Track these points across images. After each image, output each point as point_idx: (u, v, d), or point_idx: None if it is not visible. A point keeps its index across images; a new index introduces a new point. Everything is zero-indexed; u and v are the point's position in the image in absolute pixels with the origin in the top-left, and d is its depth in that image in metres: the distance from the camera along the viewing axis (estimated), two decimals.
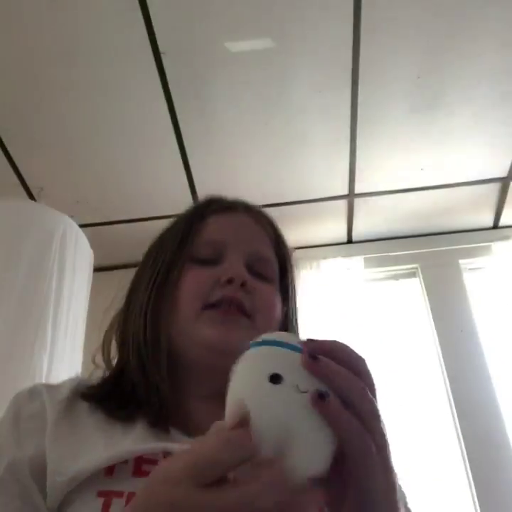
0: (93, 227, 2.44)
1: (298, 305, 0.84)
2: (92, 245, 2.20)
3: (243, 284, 0.71)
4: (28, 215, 2.04)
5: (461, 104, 2.09)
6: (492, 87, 2.03)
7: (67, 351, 1.90)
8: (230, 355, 0.68)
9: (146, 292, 0.75)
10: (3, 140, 2.16)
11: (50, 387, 0.70)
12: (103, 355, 0.77)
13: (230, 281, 0.71)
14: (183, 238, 0.77)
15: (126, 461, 0.60)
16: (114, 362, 0.76)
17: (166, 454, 0.60)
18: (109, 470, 0.59)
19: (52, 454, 0.61)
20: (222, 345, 0.68)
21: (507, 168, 2.37)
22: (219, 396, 0.71)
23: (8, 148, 2.19)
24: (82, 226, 2.18)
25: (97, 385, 0.72)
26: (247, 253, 0.76)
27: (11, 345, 1.76)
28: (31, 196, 2.36)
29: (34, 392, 0.69)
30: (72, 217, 2.14)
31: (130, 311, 0.76)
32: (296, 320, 0.82)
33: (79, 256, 2.09)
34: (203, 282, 0.72)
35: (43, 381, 1.75)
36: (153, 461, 0.60)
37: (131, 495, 0.56)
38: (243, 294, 0.71)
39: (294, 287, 0.83)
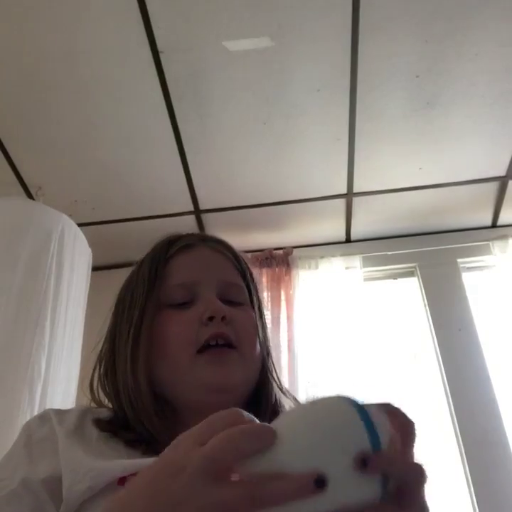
0: (91, 226, 2.44)
1: (265, 320, 0.87)
2: (91, 244, 2.20)
3: (223, 318, 0.74)
4: (26, 213, 2.03)
5: (460, 104, 2.10)
6: (490, 86, 2.03)
7: (65, 350, 1.90)
8: (232, 390, 0.73)
9: (127, 345, 0.76)
10: (2, 139, 2.16)
11: (59, 413, 0.73)
12: (93, 397, 0.79)
13: (211, 318, 0.74)
14: (150, 286, 0.79)
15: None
16: (106, 400, 0.79)
17: None
18: (122, 480, 0.61)
19: (67, 466, 0.63)
20: (223, 385, 0.72)
21: (505, 167, 2.37)
22: None
23: (7, 147, 2.19)
24: (80, 225, 2.18)
25: (108, 421, 0.74)
26: (217, 285, 0.79)
27: (9, 344, 1.76)
28: (29, 195, 2.36)
29: (43, 418, 0.72)
30: (70, 216, 2.14)
31: (117, 363, 0.77)
32: (265, 334, 0.85)
33: (77, 255, 2.08)
34: (187, 326, 0.74)
35: (41, 380, 1.75)
36: None
37: None
38: (226, 328, 0.74)
39: (260, 303, 0.86)
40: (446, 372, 2.34)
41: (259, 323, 0.82)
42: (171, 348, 0.74)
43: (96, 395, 0.79)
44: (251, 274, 0.86)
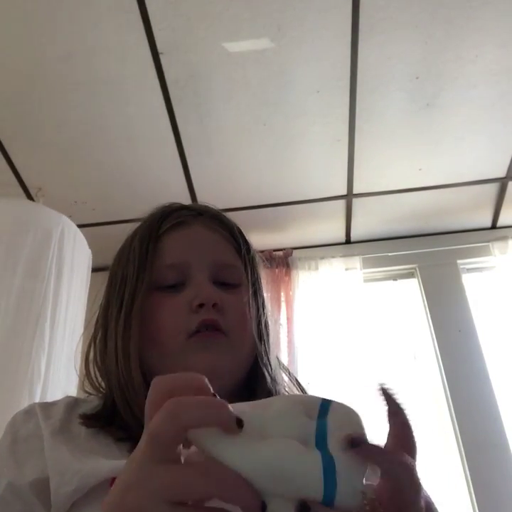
0: (91, 227, 2.44)
1: (265, 301, 0.83)
2: (91, 245, 2.20)
3: (214, 305, 0.71)
4: (26, 214, 2.03)
5: (460, 105, 2.10)
6: (490, 87, 2.04)
7: (65, 351, 1.90)
8: (222, 378, 0.69)
9: (118, 326, 0.74)
10: (2, 140, 2.16)
11: (45, 407, 0.71)
12: (91, 383, 0.77)
13: (201, 305, 0.71)
14: (140, 265, 0.76)
15: None
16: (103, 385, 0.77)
17: None
18: (114, 480, 0.59)
19: (54, 468, 0.61)
20: (210, 371, 0.69)
21: (505, 169, 2.38)
22: None
23: (7, 148, 2.19)
24: (80, 226, 2.18)
25: (95, 414, 0.72)
26: (210, 265, 0.75)
27: (9, 345, 1.76)
28: (29, 196, 2.36)
29: (29, 413, 0.70)
30: (70, 217, 2.15)
31: (108, 347, 0.75)
32: (265, 316, 0.81)
33: (77, 256, 2.09)
34: (177, 311, 0.72)
35: (41, 381, 1.75)
36: None
37: None
38: (216, 315, 0.71)
39: (260, 286, 0.82)
40: (446, 374, 2.34)
41: (253, 302, 0.77)
42: (160, 334, 0.72)
43: (92, 372, 0.77)
44: (249, 251, 0.82)
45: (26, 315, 1.82)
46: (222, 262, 0.77)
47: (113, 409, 0.71)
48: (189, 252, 0.76)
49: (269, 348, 0.78)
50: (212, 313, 0.71)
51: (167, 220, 0.80)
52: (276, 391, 0.75)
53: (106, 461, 0.61)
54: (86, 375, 0.77)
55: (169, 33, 1.83)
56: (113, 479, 0.59)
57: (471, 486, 2.10)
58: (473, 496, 2.08)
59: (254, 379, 0.75)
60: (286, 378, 0.81)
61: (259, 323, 0.78)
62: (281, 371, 0.80)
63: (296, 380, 0.82)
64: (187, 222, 0.80)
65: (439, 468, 2.20)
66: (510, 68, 1.97)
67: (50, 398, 1.75)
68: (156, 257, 0.76)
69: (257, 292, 0.80)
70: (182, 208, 0.83)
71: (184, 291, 0.73)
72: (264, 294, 0.83)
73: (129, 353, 0.71)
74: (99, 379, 0.76)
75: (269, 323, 0.81)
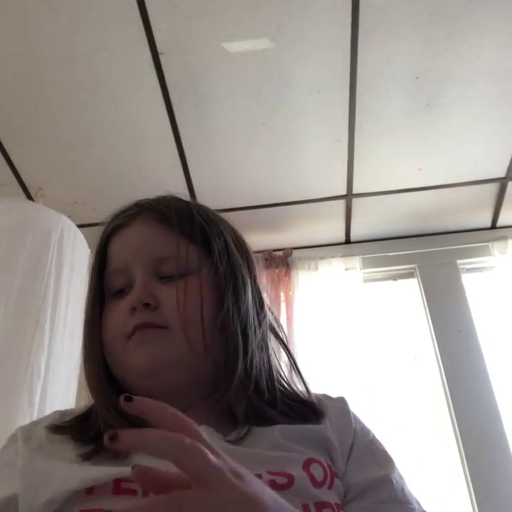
0: (91, 228, 2.43)
1: (244, 289, 0.75)
2: (90, 245, 2.19)
3: (147, 305, 0.70)
4: (26, 215, 2.03)
5: (459, 105, 2.10)
6: (490, 87, 2.04)
7: (65, 351, 1.90)
8: (163, 371, 0.68)
9: (83, 337, 0.77)
10: (1, 140, 2.16)
11: (28, 429, 0.71)
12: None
13: (134, 308, 0.70)
14: (91, 275, 0.78)
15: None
16: None
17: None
18: (90, 490, 0.59)
19: (27, 482, 0.61)
20: (150, 365, 0.68)
21: (505, 169, 2.38)
22: (188, 411, 0.71)
23: (7, 148, 2.19)
24: (80, 226, 2.18)
25: (70, 421, 0.72)
26: (148, 261, 0.73)
27: (8, 345, 1.76)
28: (29, 196, 2.36)
29: (11, 440, 0.71)
30: (70, 217, 2.14)
31: (87, 352, 0.77)
32: (237, 294, 0.74)
33: (77, 256, 2.09)
34: (118, 317, 0.72)
35: (41, 381, 1.75)
36: (131, 480, 0.59)
37: None
38: (150, 314, 0.70)
39: (228, 270, 0.75)
40: (445, 374, 2.34)
41: (204, 289, 0.71)
42: (107, 340, 0.73)
43: None
44: (203, 230, 0.76)
45: (26, 315, 1.82)
46: (157, 255, 0.74)
47: (83, 417, 0.72)
48: (127, 254, 0.75)
49: (228, 335, 0.71)
50: (145, 314, 0.70)
51: (110, 224, 0.80)
52: (248, 378, 0.70)
53: (76, 474, 0.60)
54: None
55: (169, 33, 1.83)
56: (88, 489, 0.58)
57: (470, 486, 2.10)
58: (473, 496, 2.08)
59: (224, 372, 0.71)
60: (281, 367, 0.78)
61: (213, 310, 0.71)
62: (277, 354, 0.77)
63: (294, 363, 0.80)
64: (126, 224, 0.78)
65: (439, 468, 2.21)
66: (509, 68, 1.97)
67: (49, 398, 1.75)
68: (107, 265, 0.77)
69: (224, 278, 0.73)
70: (127, 208, 0.82)
71: (128, 295, 0.73)
72: (237, 276, 0.76)
73: (88, 360, 0.74)
74: None
75: (240, 302, 0.74)
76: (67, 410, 0.77)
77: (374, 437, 0.74)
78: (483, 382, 2.31)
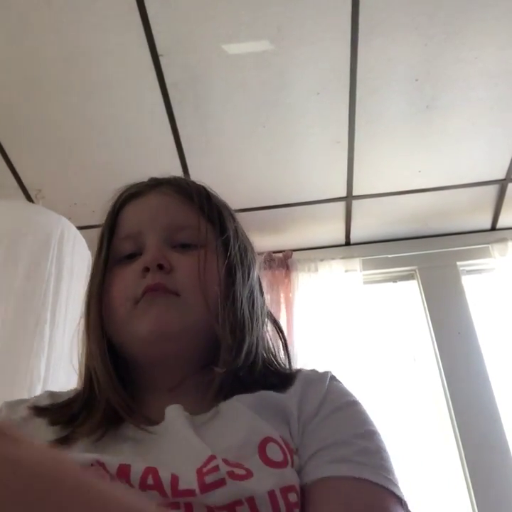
0: (91, 229, 2.43)
1: (248, 269, 0.78)
2: (90, 247, 2.19)
3: (161, 267, 0.69)
4: (26, 216, 2.03)
5: (459, 107, 2.10)
6: (489, 89, 2.04)
7: (64, 352, 1.89)
8: (170, 339, 0.68)
9: (84, 306, 0.75)
10: (2, 142, 2.16)
11: (11, 405, 0.71)
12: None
13: (147, 269, 0.69)
14: (101, 242, 0.76)
15: None
16: None
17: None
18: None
19: None
20: (158, 330, 0.67)
21: (505, 170, 2.38)
22: (179, 386, 0.70)
23: (6, 150, 2.19)
24: (80, 228, 2.18)
25: (53, 405, 0.72)
26: (163, 229, 0.73)
27: (8, 346, 1.76)
28: (29, 198, 2.36)
29: None
30: (70, 219, 2.14)
31: (87, 321, 0.75)
32: (242, 270, 0.76)
33: (77, 258, 2.08)
34: (127, 280, 0.71)
35: (41, 383, 1.75)
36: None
37: None
38: (163, 276, 0.69)
39: (235, 249, 0.77)
40: (445, 375, 2.34)
41: (214, 261, 0.72)
42: (112, 304, 0.71)
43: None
44: (217, 210, 0.79)
45: (26, 316, 1.82)
46: (175, 224, 0.74)
47: (69, 401, 0.71)
48: (141, 220, 0.75)
49: (233, 304, 0.72)
50: (157, 276, 0.69)
51: (124, 193, 0.80)
52: (239, 345, 0.70)
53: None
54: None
55: (169, 35, 1.84)
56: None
57: (470, 487, 2.10)
58: (473, 497, 2.08)
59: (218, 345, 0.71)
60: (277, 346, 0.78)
61: (227, 285, 0.73)
62: (266, 328, 0.77)
63: (283, 337, 0.79)
64: (142, 193, 0.79)
65: (439, 469, 2.20)
66: (509, 70, 1.97)
67: None
68: (115, 232, 0.76)
69: (231, 256, 0.75)
70: (140, 182, 0.83)
71: (138, 260, 0.72)
72: (242, 252, 0.78)
73: (90, 327, 0.72)
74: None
75: (242, 279, 0.75)
76: (57, 392, 0.76)
77: (351, 402, 0.69)
78: (483, 384, 2.30)
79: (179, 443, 0.62)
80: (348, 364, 2.29)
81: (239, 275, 0.75)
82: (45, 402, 0.72)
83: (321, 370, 0.76)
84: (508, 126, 2.18)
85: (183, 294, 0.69)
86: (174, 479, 0.57)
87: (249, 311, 0.74)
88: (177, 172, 2.28)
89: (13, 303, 1.82)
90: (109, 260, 0.74)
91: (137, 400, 0.70)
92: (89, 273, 0.80)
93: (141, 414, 0.67)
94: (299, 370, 0.74)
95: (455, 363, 2.36)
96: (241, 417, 0.64)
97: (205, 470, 0.57)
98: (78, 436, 0.64)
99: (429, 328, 2.47)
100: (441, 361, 2.38)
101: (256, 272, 0.80)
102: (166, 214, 0.75)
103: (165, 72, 1.94)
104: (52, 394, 0.75)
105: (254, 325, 0.74)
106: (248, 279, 0.77)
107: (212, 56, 1.90)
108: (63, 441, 0.64)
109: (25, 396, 1.67)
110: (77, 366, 0.77)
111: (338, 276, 2.56)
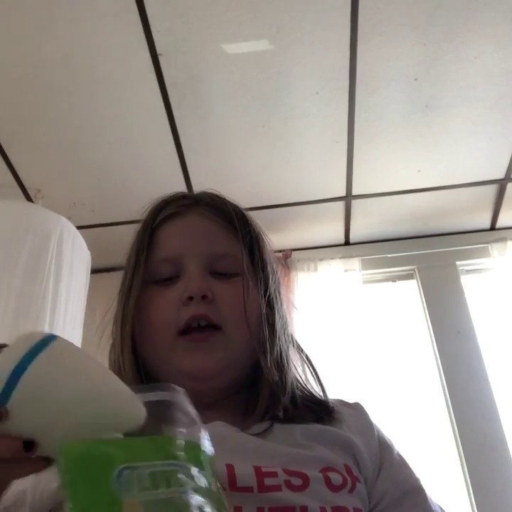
0: (90, 229, 2.43)
1: (276, 291, 0.79)
2: (90, 247, 2.19)
3: (204, 297, 0.69)
4: (25, 216, 2.03)
5: (458, 106, 2.10)
6: (489, 89, 2.04)
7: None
8: (211, 379, 0.68)
9: (117, 323, 0.74)
10: (1, 141, 2.16)
11: None
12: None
13: (190, 298, 0.69)
14: (137, 260, 0.75)
15: None
16: None
17: None
18: None
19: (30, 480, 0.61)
20: (202, 373, 0.68)
21: (504, 170, 2.38)
22: (219, 404, 0.70)
23: (6, 150, 2.19)
24: (79, 228, 2.18)
25: None
26: (204, 256, 0.73)
27: None
28: (29, 198, 2.36)
29: None
30: (69, 218, 2.14)
31: (112, 340, 0.75)
32: (278, 299, 0.78)
33: (76, 257, 2.08)
34: (168, 307, 0.70)
35: None
36: None
37: None
38: (207, 307, 0.69)
39: (266, 272, 0.78)
40: (445, 375, 2.34)
41: (255, 290, 0.73)
42: (151, 329, 0.71)
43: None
44: (249, 236, 0.78)
45: (25, 316, 1.82)
46: (216, 252, 0.74)
47: None
48: (182, 244, 0.74)
49: (274, 335, 0.73)
50: (201, 306, 0.69)
51: (162, 212, 0.79)
52: (282, 379, 0.71)
53: None
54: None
55: (168, 35, 1.83)
56: None
57: (470, 487, 2.10)
58: (473, 497, 2.08)
59: (258, 375, 0.72)
60: (301, 366, 0.78)
61: (262, 310, 0.74)
62: (296, 356, 0.77)
63: (312, 366, 0.79)
64: (181, 213, 0.78)
65: (438, 469, 2.20)
66: (508, 70, 1.97)
67: None
68: (152, 251, 0.75)
69: (262, 278, 0.76)
70: (178, 198, 0.81)
71: (177, 285, 0.71)
72: (276, 280, 0.79)
73: (122, 347, 0.71)
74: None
75: (278, 309, 0.77)
76: None
77: (398, 450, 0.73)
78: (483, 383, 2.31)
79: (230, 448, 0.61)
80: (347, 364, 2.29)
81: (277, 306, 0.76)
82: None
83: (349, 400, 0.79)
84: (508, 126, 2.18)
85: (226, 328, 0.69)
86: (230, 470, 0.57)
87: (286, 340, 0.75)
88: (177, 172, 2.29)
89: (13, 303, 1.82)
90: (145, 278, 0.74)
91: None
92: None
93: None
94: (333, 402, 0.75)
95: (454, 363, 2.36)
96: (300, 441, 0.65)
97: (264, 470, 0.58)
98: None
99: (429, 327, 2.48)
100: (441, 360, 2.38)
101: (284, 296, 0.81)
102: (208, 240, 0.75)
103: (164, 72, 1.94)
104: None
105: (290, 354, 0.75)
106: (282, 306, 0.78)
107: (212, 56, 1.90)
108: None
109: None
110: None
111: (337, 276, 2.56)
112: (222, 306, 0.70)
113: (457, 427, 2.23)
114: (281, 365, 0.72)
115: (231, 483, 0.56)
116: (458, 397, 2.29)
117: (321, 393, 0.77)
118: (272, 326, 0.74)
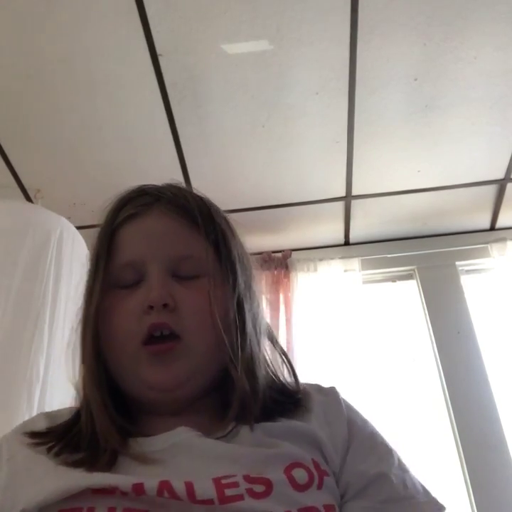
0: (90, 229, 2.43)
1: (248, 287, 0.75)
2: (89, 247, 2.19)
3: (165, 305, 0.66)
4: (25, 216, 2.03)
5: (458, 107, 2.10)
6: (489, 89, 2.04)
7: (64, 353, 1.89)
8: (173, 391, 0.67)
9: (78, 329, 0.72)
10: (1, 142, 2.16)
11: (9, 440, 0.68)
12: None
13: (150, 307, 0.66)
14: (97, 265, 0.72)
15: None
16: None
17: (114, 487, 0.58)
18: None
19: (7, 496, 0.61)
20: (163, 386, 0.66)
21: (504, 170, 2.38)
22: (186, 410, 0.69)
23: (5, 150, 2.19)
24: (79, 228, 2.18)
25: (44, 431, 0.69)
26: (166, 259, 0.70)
27: (7, 346, 1.75)
28: (28, 198, 2.36)
29: None
30: (69, 218, 2.14)
31: (83, 340, 0.73)
32: (248, 297, 0.74)
33: (76, 257, 2.08)
34: (130, 315, 0.68)
35: (40, 383, 1.75)
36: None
37: (89, 510, 0.56)
38: (168, 316, 0.66)
39: (234, 267, 0.73)
40: (444, 375, 2.34)
41: (221, 292, 0.70)
42: (114, 337, 0.68)
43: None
44: (221, 231, 0.74)
45: (25, 316, 1.82)
46: (179, 254, 0.71)
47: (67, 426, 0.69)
48: (143, 247, 0.71)
49: (244, 338, 0.70)
50: (162, 315, 0.66)
51: (121, 213, 0.75)
52: (254, 386, 0.69)
53: (53, 483, 0.59)
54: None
55: (168, 35, 1.83)
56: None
57: (470, 487, 2.10)
58: (472, 497, 2.08)
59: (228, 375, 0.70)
60: (279, 360, 0.76)
61: (229, 312, 0.70)
62: (264, 368, 0.74)
63: (286, 356, 0.77)
64: (141, 213, 0.74)
65: (438, 470, 2.20)
66: (508, 70, 1.98)
67: (48, 400, 1.75)
68: (114, 254, 0.72)
69: (230, 277, 0.72)
70: (139, 195, 0.78)
71: (139, 290, 0.69)
72: (247, 276, 0.76)
73: (84, 354, 0.70)
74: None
75: (249, 308, 0.73)
76: (52, 412, 0.74)
77: (373, 429, 0.72)
78: (483, 383, 2.30)
79: (192, 457, 0.61)
80: (347, 364, 2.29)
81: (247, 304, 0.73)
82: (41, 426, 0.70)
83: (325, 385, 0.76)
84: (508, 126, 2.18)
85: (187, 337, 0.67)
86: (189, 487, 0.56)
87: (258, 338, 0.73)
88: (177, 172, 2.29)
89: (12, 303, 1.82)
90: (104, 284, 0.71)
91: (138, 423, 0.69)
92: (89, 263, 0.77)
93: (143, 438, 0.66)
94: (306, 390, 0.74)
95: (454, 363, 2.36)
96: (264, 440, 0.64)
97: (224, 482, 0.57)
98: (87, 463, 0.62)
99: (428, 327, 2.47)
100: (441, 361, 2.38)
101: (257, 289, 0.78)
102: (170, 242, 0.71)
103: (164, 72, 1.94)
104: (47, 415, 0.73)
105: (261, 353, 0.73)
106: (253, 303, 0.75)
107: (212, 56, 1.90)
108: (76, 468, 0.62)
109: (24, 396, 1.68)
110: (72, 379, 0.75)
111: (337, 276, 2.56)
112: (184, 314, 0.67)
113: (457, 427, 2.23)
114: (252, 371, 0.69)
115: (190, 496, 0.56)
116: (458, 397, 2.29)
117: (293, 381, 0.75)
118: (242, 327, 0.70)
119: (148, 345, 0.66)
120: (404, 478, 0.66)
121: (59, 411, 0.75)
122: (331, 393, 0.74)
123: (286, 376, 0.75)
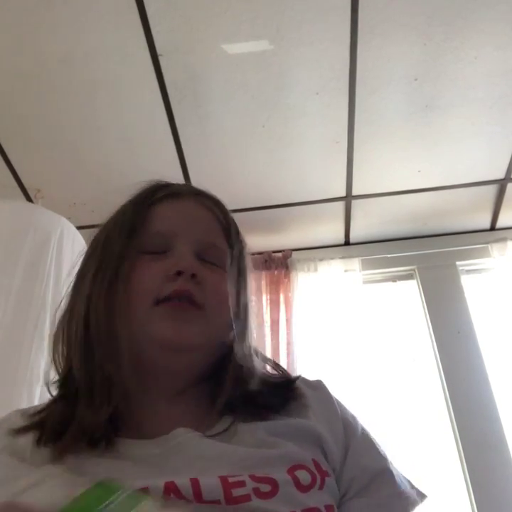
0: (90, 229, 2.43)
1: (249, 292, 0.80)
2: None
3: (193, 276, 0.69)
4: (25, 216, 2.03)
5: (458, 107, 2.10)
6: (489, 89, 2.04)
7: None
8: (183, 352, 0.68)
9: (94, 286, 0.71)
10: (1, 142, 2.16)
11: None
12: (56, 367, 0.75)
13: (179, 273, 0.69)
14: (130, 229, 0.74)
15: None
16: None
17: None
18: None
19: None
20: (176, 341, 0.67)
21: (504, 170, 2.38)
22: (180, 397, 0.70)
23: (6, 150, 2.19)
24: (79, 228, 2.18)
25: (34, 413, 0.69)
26: (197, 241, 0.73)
27: (8, 346, 1.76)
28: (28, 198, 2.36)
29: None
30: (69, 218, 2.14)
31: (75, 310, 0.72)
32: (246, 306, 0.78)
33: (76, 258, 2.08)
34: (153, 276, 0.69)
35: (41, 383, 1.75)
36: None
37: None
38: (193, 286, 0.69)
39: (244, 273, 0.79)
40: (445, 375, 2.34)
41: (233, 289, 0.74)
42: (131, 297, 0.68)
43: (56, 362, 0.75)
44: (238, 238, 0.80)
45: (25, 316, 1.82)
46: (209, 240, 0.75)
47: (55, 404, 0.70)
48: (178, 223, 0.75)
49: (246, 332, 0.75)
50: (189, 283, 0.68)
51: (162, 190, 0.80)
52: (252, 368, 0.72)
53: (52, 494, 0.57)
54: (52, 355, 0.76)
55: (168, 35, 1.83)
56: None
57: (470, 487, 2.10)
58: (473, 497, 2.08)
59: (223, 366, 0.71)
60: (268, 367, 0.78)
61: (238, 306, 0.75)
62: (259, 360, 0.76)
63: (277, 365, 0.79)
64: (181, 195, 0.79)
65: (439, 469, 2.20)
66: (508, 70, 1.97)
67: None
68: (145, 224, 0.75)
69: (240, 279, 0.77)
70: (178, 183, 0.85)
71: (165, 259, 0.71)
72: (249, 286, 0.80)
73: (113, 317, 0.68)
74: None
75: (250, 312, 0.78)
76: (26, 409, 0.73)
77: (362, 423, 0.73)
78: (483, 383, 2.30)
79: (193, 457, 0.61)
80: (347, 364, 2.29)
81: (249, 306, 0.78)
82: (20, 424, 0.68)
83: (309, 378, 0.78)
84: (508, 126, 2.18)
85: (207, 309, 0.69)
86: (195, 483, 0.56)
87: (253, 340, 0.77)
88: (177, 172, 2.29)
89: (13, 303, 1.82)
90: (129, 248, 0.73)
91: (132, 413, 0.68)
92: (117, 226, 0.79)
93: (133, 424, 0.66)
94: (295, 385, 0.74)
95: (454, 363, 2.36)
96: (266, 439, 0.64)
97: (231, 480, 0.57)
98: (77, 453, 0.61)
99: (429, 327, 2.48)
100: (441, 360, 2.38)
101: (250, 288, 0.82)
102: (203, 228, 0.76)
103: (164, 72, 1.94)
104: (23, 413, 0.71)
105: (253, 339, 0.77)
106: (249, 297, 0.79)
107: (212, 56, 1.90)
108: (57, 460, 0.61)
109: (25, 396, 1.68)
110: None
111: (337, 276, 2.56)
112: (207, 289, 0.70)
113: (457, 427, 2.23)
114: (251, 355, 0.73)
115: (197, 496, 0.55)
116: (458, 397, 2.29)
117: (279, 372, 0.77)
118: (245, 321, 0.75)
119: (164, 304, 0.68)
120: (398, 472, 0.69)
121: (31, 407, 0.74)
122: (319, 387, 0.75)
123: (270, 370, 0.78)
